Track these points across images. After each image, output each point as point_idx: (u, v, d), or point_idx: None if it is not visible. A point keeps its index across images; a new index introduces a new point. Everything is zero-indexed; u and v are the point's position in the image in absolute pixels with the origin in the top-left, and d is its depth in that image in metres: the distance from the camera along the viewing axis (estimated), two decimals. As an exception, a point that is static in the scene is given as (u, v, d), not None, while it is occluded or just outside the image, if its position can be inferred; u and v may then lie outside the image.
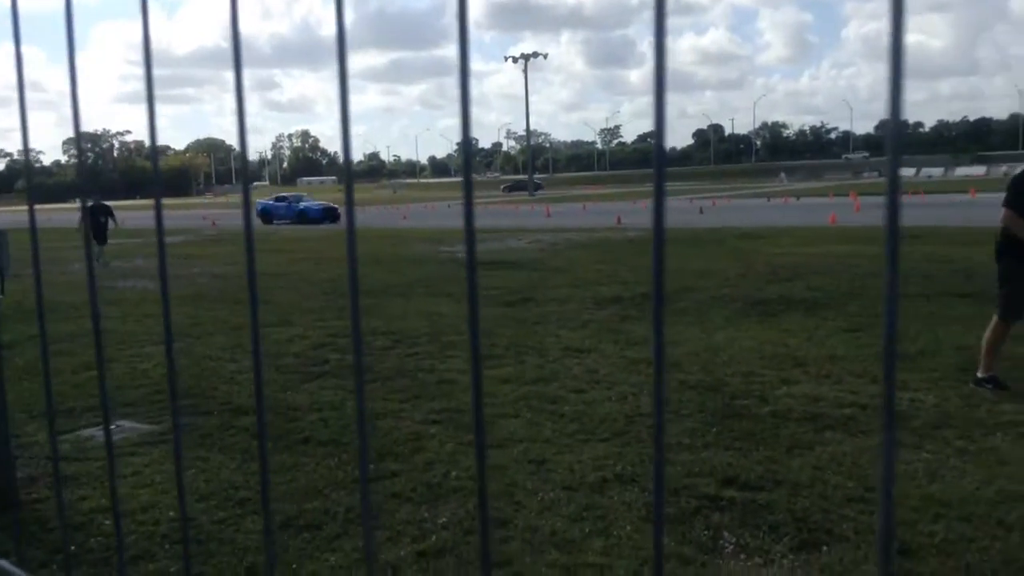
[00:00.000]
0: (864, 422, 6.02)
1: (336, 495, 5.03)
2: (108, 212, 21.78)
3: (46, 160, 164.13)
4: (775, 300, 11.44)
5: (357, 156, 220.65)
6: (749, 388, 7.03)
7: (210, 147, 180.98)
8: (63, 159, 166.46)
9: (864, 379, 7.11)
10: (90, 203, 22.50)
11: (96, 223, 20.78)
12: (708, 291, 12.50)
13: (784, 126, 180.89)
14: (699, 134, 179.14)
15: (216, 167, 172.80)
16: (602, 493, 4.96)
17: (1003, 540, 4.13)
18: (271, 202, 42.89)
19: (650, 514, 4.64)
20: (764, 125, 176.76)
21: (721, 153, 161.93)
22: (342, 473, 5.39)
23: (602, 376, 7.64)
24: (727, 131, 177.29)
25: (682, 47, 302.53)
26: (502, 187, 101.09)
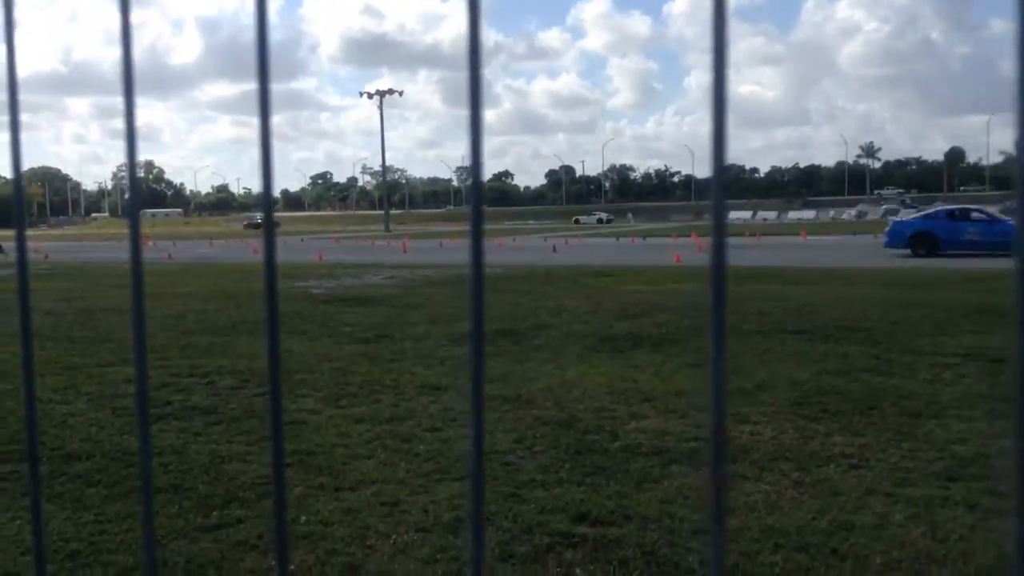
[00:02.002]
0: (707, 455, 6.25)
1: (176, 544, 4.78)
2: None
3: None
4: (624, 337, 11.78)
5: (205, 188, 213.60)
6: (600, 423, 7.19)
7: (45, 176, 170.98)
8: None
9: (707, 412, 7.39)
10: None
11: None
12: (562, 327, 12.74)
13: (631, 168, 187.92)
14: (552, 174, 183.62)
15: (51, 197, 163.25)
16: (456, 534, 4.93)
17: (837, 569, 4.37)
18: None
19: (504, 552, 4.65)
20: (613, 167, 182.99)
21: (573, 193, 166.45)
22: (183, 521, 5.14)
23: (457, 414, 7.63)
24: (578, 172, 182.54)
25: (536, 90, 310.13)
26: (244, 224, 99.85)
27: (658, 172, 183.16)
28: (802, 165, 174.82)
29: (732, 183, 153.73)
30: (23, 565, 4.48)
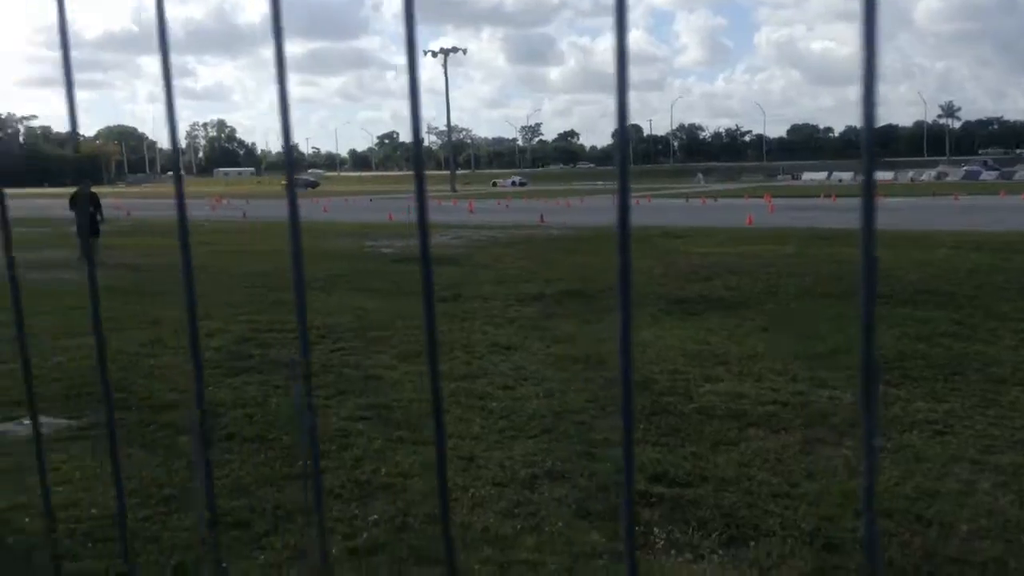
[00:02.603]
0: (785, 419, 6.21)
1: (263, 492, 4.95)
2: (96, 203, 19.13)
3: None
4: (697, 299, 11.69)
5: (274, 148, 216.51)
6: (674, 385, 7.17)
7: (122, 135, 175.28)
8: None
9: (784, 377, 7.33)
10: (75, 190, 19.79)
11: (84, 213, 18.90)
12: (634, 289, 12.66)
13: (700, 128, 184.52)
14: (617, 134, 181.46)
15: (128, 155, 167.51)
16: (532, 489, 5.00)
17: (922, 535, 4.32)
18: None
19: (580, 509, 4.71)
20: (681, 126, 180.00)
21: (640, 153, 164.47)
22: (269, 470, 5.31)
23: (529, 373, 7.70)
24: (646, 132, 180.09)
25: (602, 47, 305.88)
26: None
27: (728, 131, 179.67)
28: (878, 125, 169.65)
29: (805, 143, 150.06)
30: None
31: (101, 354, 1.41)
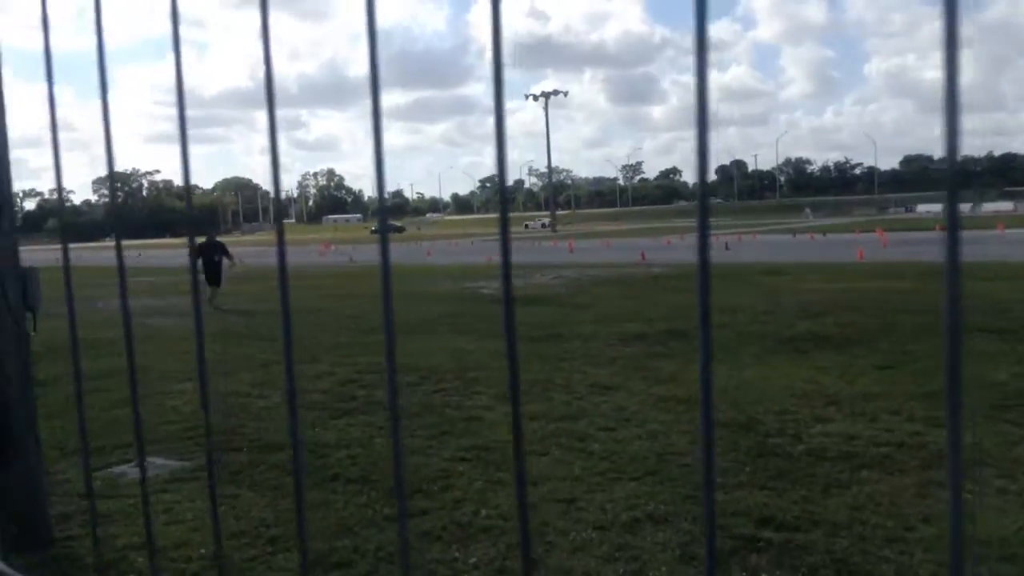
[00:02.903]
0: (901, 461, 5.92)
1: (366, 533, 4.99)
2: (223, 250, 19.40)
3: (76, 199, 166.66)
4: (805, 337, 11.33)
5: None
6: (782, 426, 6.94)
7: (238, 186, 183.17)
8: (93, 198, 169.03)
9: (899, 417, 7.01)
10: (201, 240, 20.70)
11: (209, 262, 18.74)
12: (736, 327, 12.40)
13: (808, 162, 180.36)
14: (722, 170, 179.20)
15: (244, 205, 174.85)
16: (635, 533, 4.89)
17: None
18: None
19: (684, 554, 4.57)
20: (787, 161, 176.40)
21: (745, 189, 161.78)
22: (371, 511, 5.36)
23: (631, 413, 7.58)
24: (750, 167, 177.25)
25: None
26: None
27: (837, 164, 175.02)
28: (996, 153, 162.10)
29: (919, 175, 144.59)
30: (229, 547, 4.80)
31: (204, 399, 1.45)
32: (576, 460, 6.25)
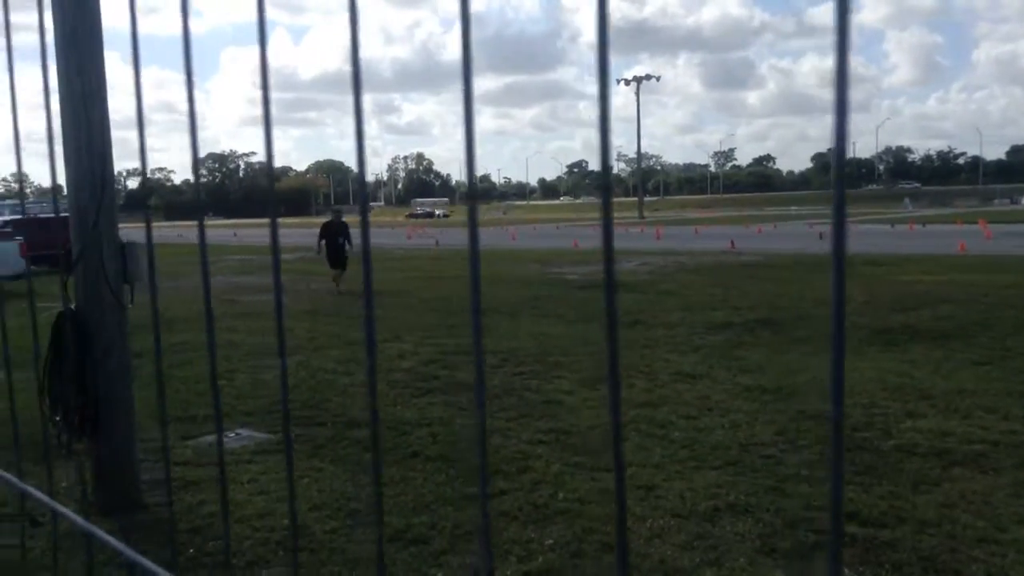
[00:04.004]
0: (996, 459, 5.67)
1: (444, 510, 5.04)
2: (346, 233, 18.12)
3: (176, 179, 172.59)
4: (900, 329, 10.95)
5: (466, 178, 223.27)
6: (871, 420, 6.73)
7: (329, 168, 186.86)
8: (192, 178, 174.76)
9: (995, 415, 6.71)
10: (327, 219, 19.64)
11: (332, 244, 17.91)
12: (827, 318, 12.05)
13: (909, 150, 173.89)
14: (818, 158, 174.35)
15: (335, 188, 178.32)
16: (714, 523, 4.82)
17: None
18: None
19: (765, 546, 4.48)
20: (888, 149, 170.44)
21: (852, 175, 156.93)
22: (450, 489, 5.41)
23: (714, 403, 7.46)
24: (849, 154, 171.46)
25: (803, 69, 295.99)
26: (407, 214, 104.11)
27: (940, 153, 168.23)
28: None
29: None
30: (310, 519, 4.92)
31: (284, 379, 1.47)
32: (656, 447, 6.18)
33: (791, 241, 30.75)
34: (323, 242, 17.98)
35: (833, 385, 0.64)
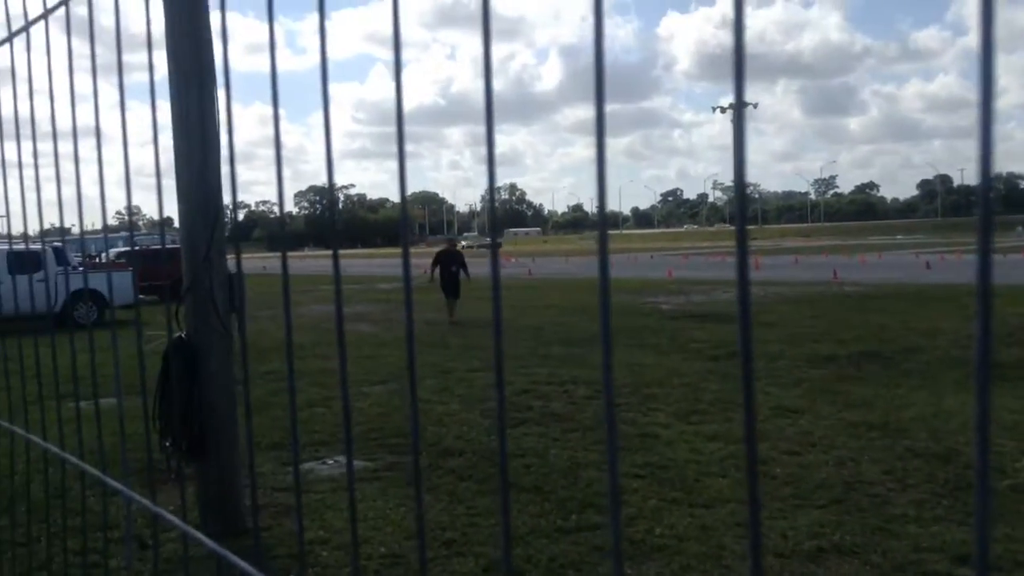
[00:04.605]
0: None
1: (539, 543, 5.01)
2: (461, 262, 17.86)
3: (279, 211, 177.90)
4: (1013, 364, 10.42)
5: (561, 208, 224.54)
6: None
7: (425, 199, 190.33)
8: (295, 210, 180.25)
9: None
10: (440, 248, 19.35)
11: (446, 272, 17.69)
12: (937, 352, 11.59)
13: (1021, 177, 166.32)
14: (924, 184, 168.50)
15: (430, 218, 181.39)
16: (818, 563, 4.65)
17: None
18: None
19: (872, 591, 4.30)
20: (998, 176, 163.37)
21: (949, 206, 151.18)
22: (545, 522, 5.38)
23: (817, 439, 7.23)
24: (956, 182, 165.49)
25: (907, 94, 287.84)
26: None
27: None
28: None
29: None
30: (406, 548, 4.96)
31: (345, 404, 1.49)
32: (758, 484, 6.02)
33: (897, 271, 29.74)
34: (436, 270, 17.87)
35: (978, 432, 0.60)
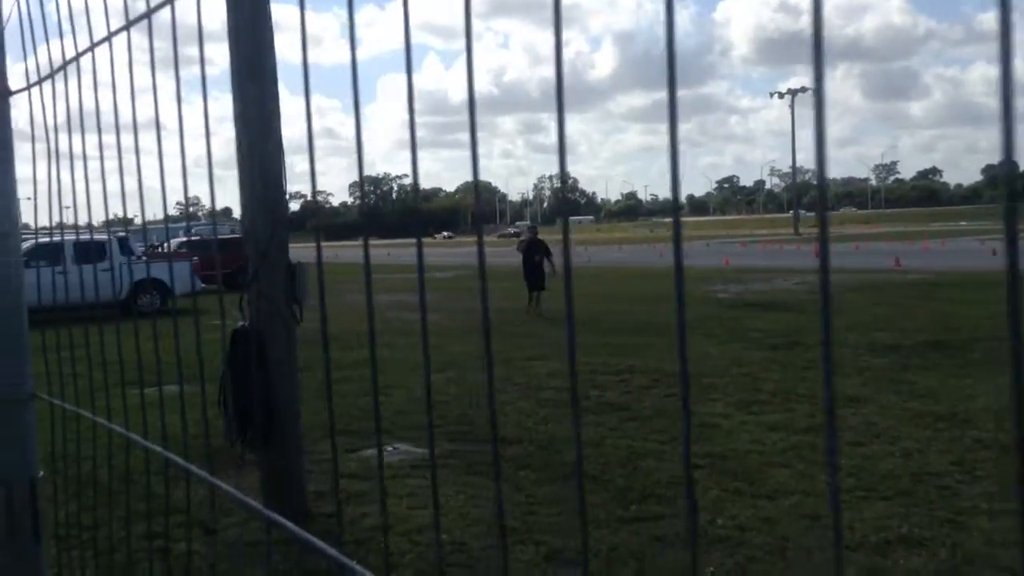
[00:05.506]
0: None
1: (598, 533, 4.98)
2: (544, 250, 17.05)
3: (334, 201, 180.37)
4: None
5: (614, 196, 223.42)
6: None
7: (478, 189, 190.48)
8: (349, 200, 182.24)
9: None
10: (524, 237, 18.95)
11: (529, 262, 17.01)
12: (1005, 340, 11.24)
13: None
14: (989, 169, 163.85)
15: (483, 207, 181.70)
16: (885, 556, 4.55)
17: None
18: None
19: (943, 585, 4.20)
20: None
21: (1020, 190, 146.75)
22: (603, 512, 5.35)
23: (882, 429, 7.07)
24: (1023, 167, 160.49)
25: (972, 77, 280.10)
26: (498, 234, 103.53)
27: None
28: None
29: None
30: (468, 535, 4.97)
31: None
32: (820, 475, 5.91)
33: (961, 258, 28.96)
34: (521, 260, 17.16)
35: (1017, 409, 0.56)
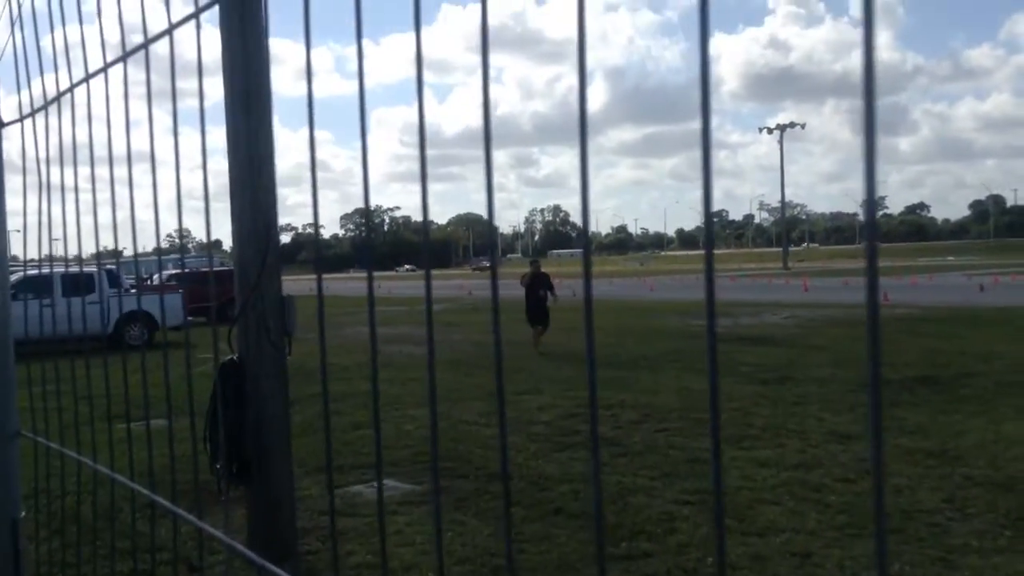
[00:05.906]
0: None
1: (589, 571, 4.94)
2: (547, 283, 16.49)
3: (326, 233, 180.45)
4: (1077, 390, 10.11)
5: (605, 229, 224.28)
6: (1049, 488, 6.19)
7: (469, 222, 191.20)
8: (341, 232, 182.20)
9: None
10: (524, 271, 17.37)
11: (532, 296, 16.34)
12: (994, 376, 11.28)
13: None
14: (976, 205, 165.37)
15: (474, 240, 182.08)
16: (877, 596, 4.51)
17: None
18: None
19: (935, 625, 4.16)
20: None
21: (1003, 225, 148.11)
22: (592, 549, 5.29)
23: (872, 466, 7.04)
24: (1009, 202, 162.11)
25: (959, 113, 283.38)
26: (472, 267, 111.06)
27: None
28: None
29: None
30: (455, 573, 4.91)
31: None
32: (811, 512, 5.88)
33: (949, 293, 29.11)
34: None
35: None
